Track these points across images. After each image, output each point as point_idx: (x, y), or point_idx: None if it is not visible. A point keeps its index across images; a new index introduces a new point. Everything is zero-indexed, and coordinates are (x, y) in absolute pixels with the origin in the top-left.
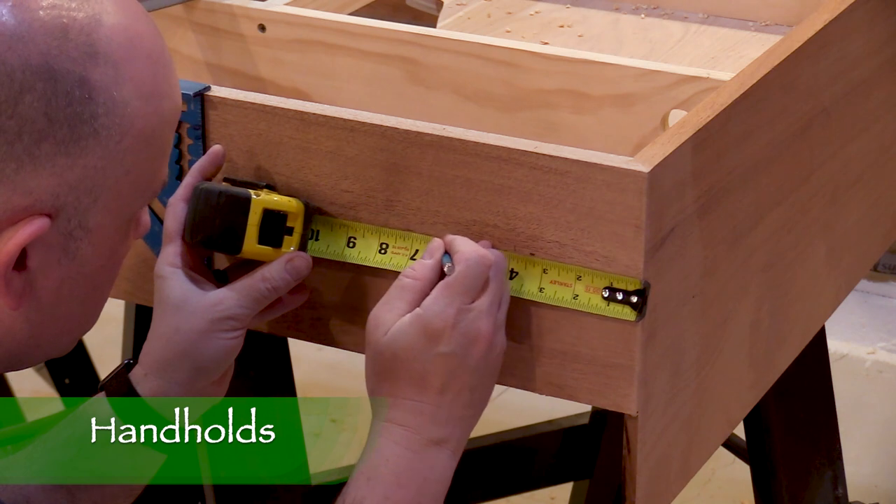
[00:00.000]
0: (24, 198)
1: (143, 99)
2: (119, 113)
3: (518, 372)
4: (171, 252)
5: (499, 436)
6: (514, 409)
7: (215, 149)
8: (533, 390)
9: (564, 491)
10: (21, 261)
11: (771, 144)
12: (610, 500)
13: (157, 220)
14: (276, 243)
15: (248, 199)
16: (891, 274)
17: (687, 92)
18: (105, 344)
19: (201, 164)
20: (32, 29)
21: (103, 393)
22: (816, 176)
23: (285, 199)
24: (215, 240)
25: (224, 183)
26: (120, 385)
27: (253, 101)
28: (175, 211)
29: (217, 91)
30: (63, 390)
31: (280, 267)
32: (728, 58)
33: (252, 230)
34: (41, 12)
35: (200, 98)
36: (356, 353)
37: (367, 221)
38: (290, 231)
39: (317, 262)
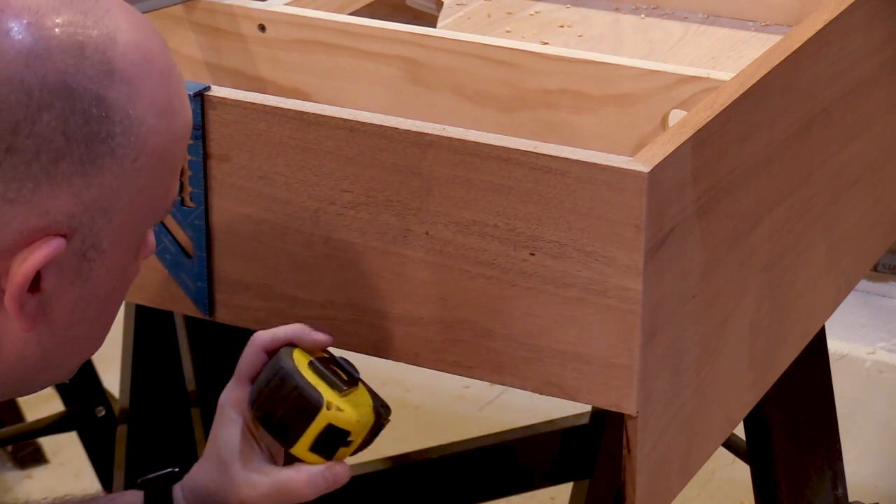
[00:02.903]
0: (40, 218)
1: (157, 116)
2: (135, 131)
3: (518, 372)
4: (240, 396)
5: (499, 436)
6: (514, 409)
7: (323, 338)
8: (533, 390)
9: (564, 491)
10: (35, 282)
11: (771, 144)
12: (610, 500)
13: (167, 232)
14: (329, 455)
15: (317, 409)
16: (891, 274)
17: (687, 92)
18: (105, 344)
19: (305, 333)
20: (49, 47)
21: (141, 493)
22: (816, 176)
23: (356, 414)
24: (272, 424)
25: (312, 367)
26: (161, 495)
27: (253, 101)
28: (254, 357)
29: (217, 91)
30: (63, 390)
31: (321, 482)
32: (728, 58)
33: (309, 437)
34: (57, 30)
35: (200, 98)
36: (356, 353)
37: (367, 221)
38: (347, 443)
39: (317, 262)
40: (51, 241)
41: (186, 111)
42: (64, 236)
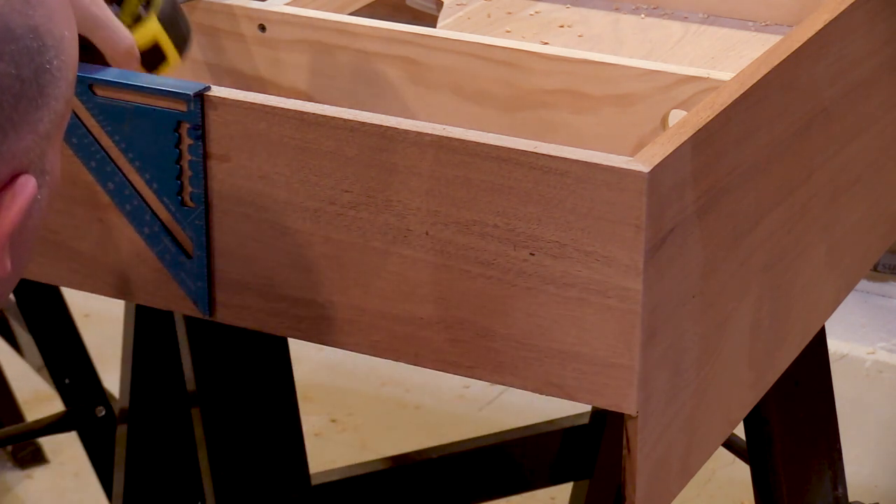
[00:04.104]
0: (8, 165)
1: (69, 27)
2: (62, 49)
3: (518, 372)
4: None
5: (499, 436)
6: (514, 409)
7: None
8: (533, 390)
9: (564, 491)
10: None
11: (771, 144)
12: (610, 500)
13: (167, 232)
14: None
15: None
16: (891, 274)
17: (687, 92)
18: (105, 344)
19: None
20: None
21: None
22: (816, 176)
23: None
24: None
25: None
26: None
27: (253, 101)
28: None
29: (217, 91)
30: (63, 390)
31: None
32: (728, 58)
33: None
34: None
35: (200, 98)
36: (356, 353)
37: (367, 221)
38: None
39: (317, 262)
40: (23, 184)
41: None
42: (25, 172)
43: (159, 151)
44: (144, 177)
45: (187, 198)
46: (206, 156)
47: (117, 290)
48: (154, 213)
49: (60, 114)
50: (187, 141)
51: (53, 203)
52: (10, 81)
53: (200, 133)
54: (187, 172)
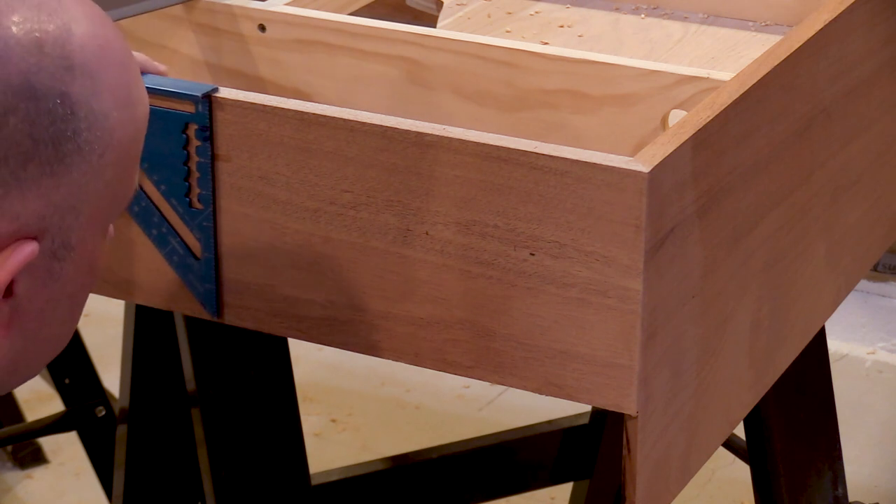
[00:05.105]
0: (10, 224)
1: (121, 108)
2: (100, 126)
3: (518, 372)
4: None
5: (499, 436)
6: (514, 409)
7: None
8: (533, 390)
9: (564, 491)
10: (8, 288)
11: (771, 144)
12: (610, 500)
13: (175, 233)
14: None
15: None
16: (891, 274)
17: (687, 92)
18: (105, 344)
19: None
20: (8, 47)
21: None
22: (816, 176)
23: None
24: None
25: None
26: None
27: (253, 101)
28: None
29: (225, 92)
30: (63, 390)
31: None
32: (728, 58)
33: None
34: (14, 29)
35: (208, 99)
36: (356, 353)
37: (367, 221)
38: None
39: (317, 262)
40: (24, 246)
41: (145, 98)
42: (35, 238)
43: (167, 153)
44: (152, 178)
45: (195, 199)
46: (213, 157)
47: (118, 290)
48: (162, 215)
49: (95, 193)
50: (195, 142)
51: (85, 283)
52: (21, 138)
53: (208, 134)
54: (195, 174)
